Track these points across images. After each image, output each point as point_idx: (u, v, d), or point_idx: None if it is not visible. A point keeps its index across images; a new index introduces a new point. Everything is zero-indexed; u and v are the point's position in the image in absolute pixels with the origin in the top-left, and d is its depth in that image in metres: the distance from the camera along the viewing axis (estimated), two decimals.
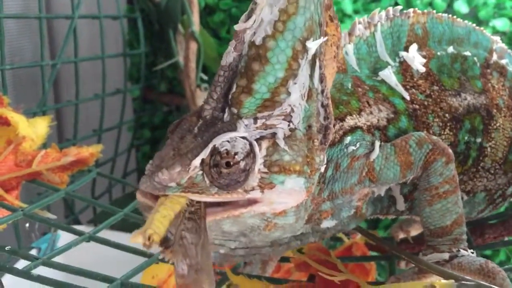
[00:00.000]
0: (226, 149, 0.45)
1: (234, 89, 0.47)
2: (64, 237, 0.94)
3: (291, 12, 0.46)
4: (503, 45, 0.74)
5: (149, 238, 0.42)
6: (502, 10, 1.16)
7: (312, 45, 0.47)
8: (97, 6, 1.15)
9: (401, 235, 0.78)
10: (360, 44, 0.63)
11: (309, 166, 0.49)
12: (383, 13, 0.65)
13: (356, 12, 1.21)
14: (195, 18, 1.22)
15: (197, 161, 0.45)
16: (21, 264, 0.60)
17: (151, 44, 1.36)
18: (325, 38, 0.48)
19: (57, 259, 0.61)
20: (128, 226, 0.94)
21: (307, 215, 0.54)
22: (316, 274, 0.59)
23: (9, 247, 0.59)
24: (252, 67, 0.46)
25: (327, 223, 0.56)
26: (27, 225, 0.97)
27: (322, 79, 0.49)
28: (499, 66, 0.71)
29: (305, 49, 0.47)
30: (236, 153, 0.46)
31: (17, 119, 0.75)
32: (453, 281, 0.48)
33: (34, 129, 0.77)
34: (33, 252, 0.92)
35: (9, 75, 1.02)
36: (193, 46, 1.23)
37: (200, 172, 0.45)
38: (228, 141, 0.46)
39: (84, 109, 1.16)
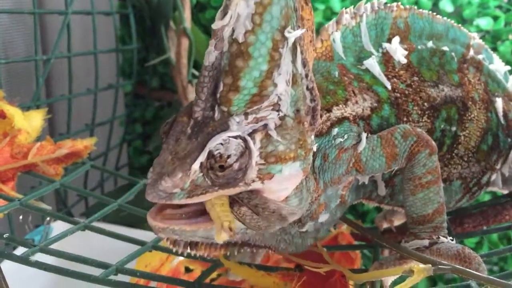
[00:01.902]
0: (220, 153, 0.46)
1: (221, 88, 0.46)
2: (57, 230, 0.95)
3: (266, 2, 0.44)
4: (480, 41, 0.77)
5: (230, 229, 0.45)
6: (486, 9, 1.18)
7: (291, 36, 0.46)
8: (89, 2, 1.16)
9: (385, 225, 0.80)
10: (346, 33, 0.65)
11: (302, 149, 0.50)
12: (369, 5, 0.67)
13: None
14: (187, 14, 1.24)
15: (196, 165, 0.46)
16: (19, 252, 0.61)
17: (143, 40, 1.37)
18: (304, 30, 0.48)
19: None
20: (120, 219, 0.96)
21: (312, 209, 0.56)
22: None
23: (7, 234, 0.61)
24: (236, 64, 0.45)
25: (323, 217, 0.58)
26: (21, 217, 0.98)
27: (304, 64, 0.49)
28: (475, 62, 0.74)
29: (284, 38, 0.46)
30: (229, 156, 0.46)
31: (12, 112, 0.77)
32: (430, 265, 0.50)
33: (29, 122, 0.78)
34: None
35: (2, 69, 1.03)
36: (185, 42, 1.24)
37: (201, 174, 0.46)
38: (221, 144, 0.46)
39: (76, 104, 1.17)
